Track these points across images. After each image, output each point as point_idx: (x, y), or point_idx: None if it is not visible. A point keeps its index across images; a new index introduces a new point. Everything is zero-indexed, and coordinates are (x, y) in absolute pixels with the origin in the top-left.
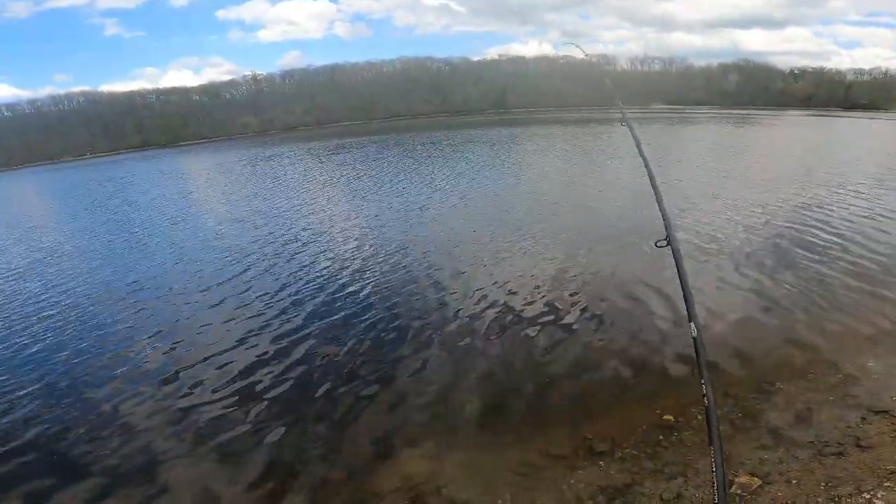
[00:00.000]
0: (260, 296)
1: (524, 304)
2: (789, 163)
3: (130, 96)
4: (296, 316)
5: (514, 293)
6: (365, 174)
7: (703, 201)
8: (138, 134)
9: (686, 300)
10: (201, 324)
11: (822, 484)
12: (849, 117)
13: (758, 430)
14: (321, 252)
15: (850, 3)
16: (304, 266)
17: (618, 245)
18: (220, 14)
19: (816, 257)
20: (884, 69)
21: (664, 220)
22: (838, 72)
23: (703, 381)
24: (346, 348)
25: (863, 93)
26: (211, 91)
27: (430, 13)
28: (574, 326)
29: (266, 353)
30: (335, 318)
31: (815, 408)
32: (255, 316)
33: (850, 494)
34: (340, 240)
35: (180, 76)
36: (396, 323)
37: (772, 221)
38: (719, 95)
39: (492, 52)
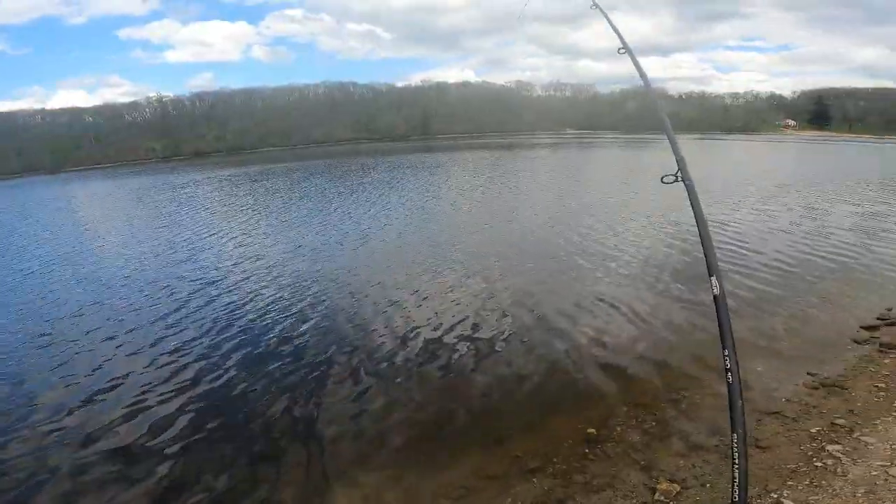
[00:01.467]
0: (180, 334)
1: (449, 328)
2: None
3: (10, 116)
4: (219, 354)
5: (440, 317)
6: (290, 203)
7: (607, 222)
8: (20, 157)
9: (705, 248)
10: (118, 372)
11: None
12: (728, 140)
13: (671, 438)
14: (245, 287)
15: (730, 29)
16: (227, 303)
17: (537, 263)
18: (123, 33)
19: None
20: (755, 93)
21: (677, 157)
22: (717, 96)
23: (725, 354)
24: (273, 383)
25: (738, 116)
26: (108, 112)
27: (355, 38)
28: (497, 347)
29: (188, 394)
30: (262, 352)
31: (716, 412)
32: (174, 358)
33: (759, 495)
34: (266, 273)
35: (72, 96)
36: (324, 355)
37: (676, 236)
38: (621, 120)
39: (416, 78)
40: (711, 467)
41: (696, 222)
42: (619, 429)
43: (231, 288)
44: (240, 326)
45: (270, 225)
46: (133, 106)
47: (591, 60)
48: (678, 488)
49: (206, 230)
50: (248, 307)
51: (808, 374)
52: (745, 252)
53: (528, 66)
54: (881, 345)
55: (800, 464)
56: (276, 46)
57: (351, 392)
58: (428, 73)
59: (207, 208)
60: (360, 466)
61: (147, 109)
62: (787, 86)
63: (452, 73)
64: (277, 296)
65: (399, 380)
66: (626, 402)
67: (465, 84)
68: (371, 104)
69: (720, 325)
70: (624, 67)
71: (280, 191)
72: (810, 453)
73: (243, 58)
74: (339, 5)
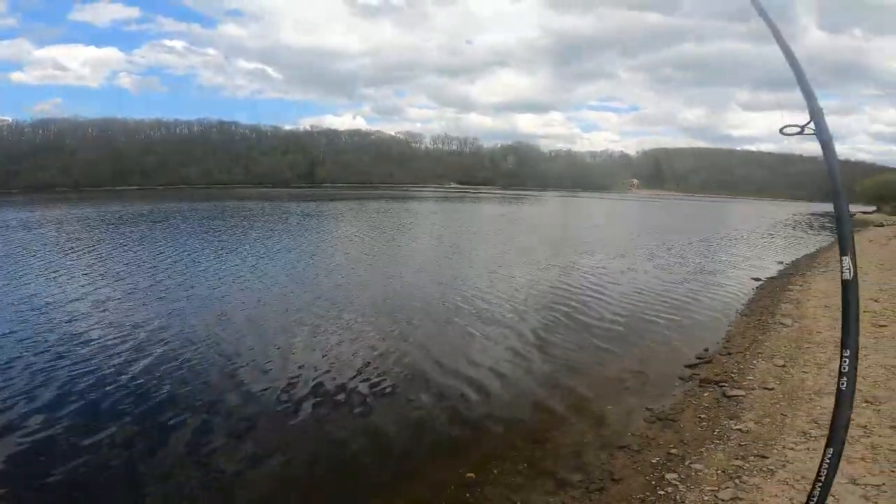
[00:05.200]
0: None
1: (321, 383)
2: (557, 237)
3: None
4: (67, 429)
5: (313, 372)
6: (153, 251)
7: (490, 274)
8: None
9: (839, 223)
10: None
11: None
12: (588, 197)
13: (541, 477)
14: (109, 352)
15: (592, 90)
16: (80, 370)
17: (410, 318)
18: None
19: (566, 321)
20: (609, 152)
21: (810, 104)
22: (580, 154)
23: (845, 355)
24: (146, 457)
25: (596, 175)
26: None
27: (242, 76)
28: (375, 398)
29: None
30: (133, 425)
31: (578, 450)
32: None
33: None
34: (132, 333)
35: None
36: (183, 413)
37: (542, 289)
38: (501, 175)
39: (305, 122)
40: (577, 503)
41: (834, 191)
42: (495, 471)
43: (82, 352)
44: (103, 395)
45: (138, 276)
46: None
47: (477, 114)
48: None
49: (53, 280)
50: (105, 374)
51: (646, 409)
52: (591, 306)
53: (419, 116)
54: (700, 380)
55: (647, 493)
56: (148, 76)
57: (221, 452)
58: (318, 118)
59: (54, 252)
60: None
61: None
62: (634, 146)
63: (344, 120)
64: (135, 357)
65: (273, 438)
66: (501, 445)
67: (356, 132)
68: (252, 147)
69: (845, 317)
70: (505, 122)
71: (145, 238)
72: (653, 482)
73: (105, 85)
74: (230, 41)
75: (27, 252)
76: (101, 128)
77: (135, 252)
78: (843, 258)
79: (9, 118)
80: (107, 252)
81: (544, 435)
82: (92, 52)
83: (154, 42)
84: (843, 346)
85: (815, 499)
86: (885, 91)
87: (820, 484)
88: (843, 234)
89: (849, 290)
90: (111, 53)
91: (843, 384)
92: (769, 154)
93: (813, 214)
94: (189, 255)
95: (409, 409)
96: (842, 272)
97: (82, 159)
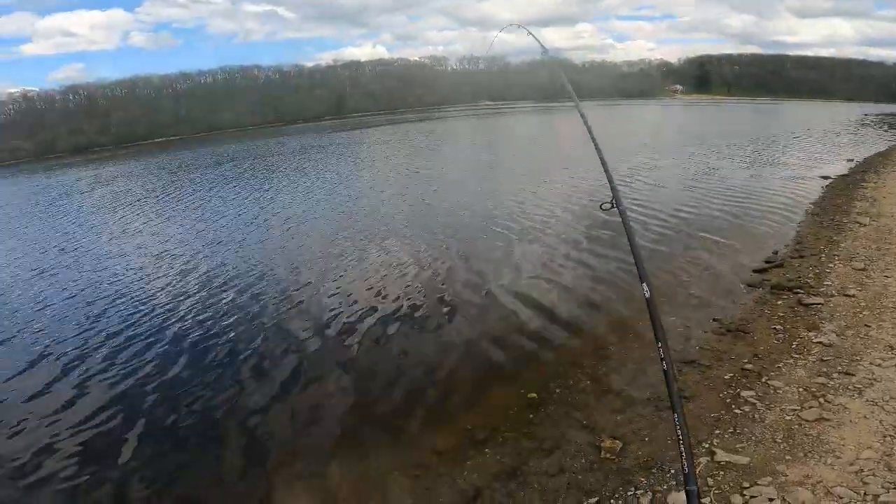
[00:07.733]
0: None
1: (384, 306)
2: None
3: None
4: (141, 354)
5: (374, 296)
6: (208, 194)
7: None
8: None
9: (636, 261)
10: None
11: (669, 438)
12: (627, 105)
13: (607, 395)
14: (161, 287)
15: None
16: (144, 303)
17: (467, 234)
18: None
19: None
20: (647, 60)
21: (611, 185)
22: (615, 64)
23: (659, 346)
24: (203, 378)
25: (634, 83)
26: None
27: (253, 20)
28: (430, 323)
29: (106, 393)
30: (189, 348)
31: (642, 365)
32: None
33: (692, 445)
34: (187, 268)
35: None
36: (253, 346)
37: (601, 195)
38: (533, 90)
39: (326, 58)
40: (646, 421)
41: (629, 241)
42: (558, 391)
43: (145, 289)
44: (168, 324)
45: (181, 219)
46: None
47: (500, 31)
48: (620, 444)
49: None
50: (168, 305)
51: (713, 320)
52: (642, 207)
53: (441, 40)
54: (772, 287)
55: (721, 412)
56: (160, 32)
57: (290, 382)
58: (338, 52)
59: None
60: (313, 457)
61: (10, 106)
62: (674, 53)
63: (365, 51)
64: (197, 290)
65: (337, 366)
66: (561, 364)
67: (380, 62)
68: (279, 87)
69: (653, 325)
70: (530, 38)
71: (195, 182)
72: (728, 400)
73: (121, 46)
74: None
75: (127, 202)
76: (128, 87)
77: (217, 195)
78: (643, 284)
79: (36, 88)
80: (187, 197)
81: (606, 351)
82: (96, 15)
83: None
84: (657, 340)
85: (683, 455)
86: None
87: (682, 442)
88: (640, 266)
89: (651, 305)
90: (116, 14)
91: (664, 365)
92: (828, 59)
93: (881, 114)
94: (247, 192)
95: (464, 333)
96: (644, 293)
97: (118, 118)
